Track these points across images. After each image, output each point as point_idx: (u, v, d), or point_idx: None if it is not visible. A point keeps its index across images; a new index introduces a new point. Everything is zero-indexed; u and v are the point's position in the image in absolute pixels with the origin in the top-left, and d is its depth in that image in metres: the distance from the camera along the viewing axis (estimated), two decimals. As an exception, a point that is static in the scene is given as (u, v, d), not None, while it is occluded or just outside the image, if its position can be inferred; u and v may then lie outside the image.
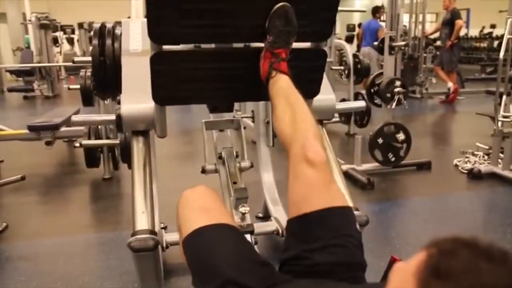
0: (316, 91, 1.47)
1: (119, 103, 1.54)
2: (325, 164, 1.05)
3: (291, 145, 1.10)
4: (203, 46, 1.40)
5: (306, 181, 1.03)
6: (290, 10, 1.25)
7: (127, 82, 1.57)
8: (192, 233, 1.02)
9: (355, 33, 10.53)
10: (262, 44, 1.31)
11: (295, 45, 1.32)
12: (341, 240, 0.97)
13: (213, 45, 1.42)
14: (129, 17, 2.90)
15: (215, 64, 1.37)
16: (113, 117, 1.53)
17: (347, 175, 3.26)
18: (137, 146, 1.51)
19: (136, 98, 1.50)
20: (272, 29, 1.26)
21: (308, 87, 1.40)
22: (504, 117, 3.37)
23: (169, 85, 1.34)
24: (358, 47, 7.90)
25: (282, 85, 1.24)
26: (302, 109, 1.17)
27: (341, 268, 0.95)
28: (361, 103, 2.14)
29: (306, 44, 1.41)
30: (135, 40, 1.74)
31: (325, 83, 1.57)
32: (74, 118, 1.67)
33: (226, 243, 1.00)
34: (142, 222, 1.32)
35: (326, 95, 1.65)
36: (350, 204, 1.34)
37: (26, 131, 3.53)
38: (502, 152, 3.38)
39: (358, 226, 1.05)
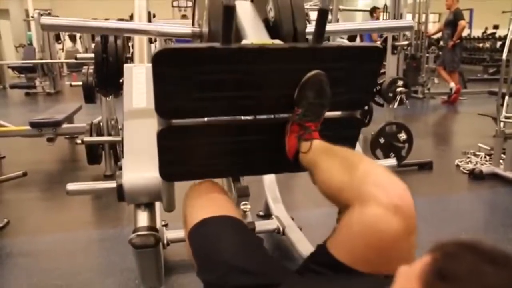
0: None
1: (120, 169, 1.33)
2: (413, 212, 0.81)
3: (355, 188, 0.85)
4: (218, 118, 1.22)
5: (384, 238, 0.78)
6: (325, 79, 1.08)
7: (129, 146, 1.38)
8: (199, 223, 1.03)
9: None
10: (285, 115, 1.17)
11: (327, 114, 1.17)
12: None
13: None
14: (131, 16, 2.88)
15: (232, 138, 1.21)
16: (113, 185, 1.32)
17: (348, 175, 3.26)
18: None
19: (140, 166, 1.30)
20: (302, 101, 1.10)
21: None
22: (506, 118, 3.36)
23: (179, 161, 1.19)
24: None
25: (318, 147, 1.07)
26: (354, 153, 1.01)
27: None
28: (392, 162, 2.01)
29: (338, 113, 1.27)
30: (139, 93, 1.52)
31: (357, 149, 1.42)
32: (69, 187, 1.43)
33: (231, 233, 1.00)
34: (143, 219, 1.31)
35: None
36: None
37: (28, 127, 3.54)
38: (504, 153, 3.37)
39: None
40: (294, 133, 1.12)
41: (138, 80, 1.55)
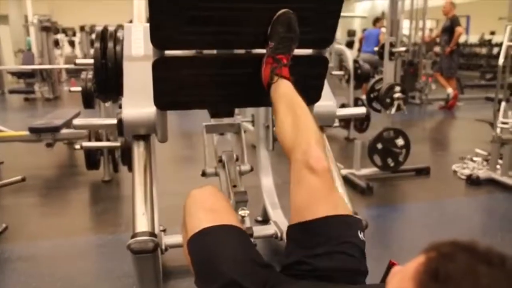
0: (317, 98, 1.48)
1: (120, 107, 1.54)
2: (328, 171, 1.04)
3: (293, 151, 1.09)
4: (205, 52, 1.40)
5: (309, 188, 1.02)
6: (293, 16, 1.25)
7: (128, 86, 1.57)
8: (198, 233, 1.03)
9: (355, 38, 10.58)
10: (264, 51, 1.31)
11: (297, 51, 1.32)
12: (342, 248, 0.97)
13: (215, 51, 1.42)
14: (131, 21, 2.92)
15: (217, 70, 1.37)
16: (114, 121, 1.54)
17: (346, 180, 3.26)
18: (138, 150, 1.52)
19: (138, 102, 1.50)
20: (274, 36, 1.26)
21: (309, 94, 1.40)
22: (503, 123, 3.38)
23: (171, 90, 1.34)
24: (359, 52, 7.98)
25: (284, 90, 1.24)
26: (304, 114, 1.16)
27: (340, 274, 0.96)
28: (361, 110, 2.14)
29: (308, 51, 1.41)
30: (137, 45, 1.73)
31: (326, 90, 1.57)
32: (76, 121, 1.67)
33: (231, 244, 1.01)
34: (142, 224, 1.32)
35: (327, 102, 1.65)
36: (350, 210, 1.36)
37: (27, 132, 3.54)
38: (500, 158, 3.39)
39: (362, 234, 1.02)
40: (268, 65, 1.27)
41: (137, 36, 1.76)
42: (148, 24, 1.23)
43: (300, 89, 1.26)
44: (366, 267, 1.02)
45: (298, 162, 1.06)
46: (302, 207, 1.03)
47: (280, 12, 1.25)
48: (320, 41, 1.39)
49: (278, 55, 1.26)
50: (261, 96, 1.34)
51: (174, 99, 1.37)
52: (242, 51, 1.40)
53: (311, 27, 1.32)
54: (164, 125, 1.48)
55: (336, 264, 0.96)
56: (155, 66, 1.26)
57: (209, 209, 1.09)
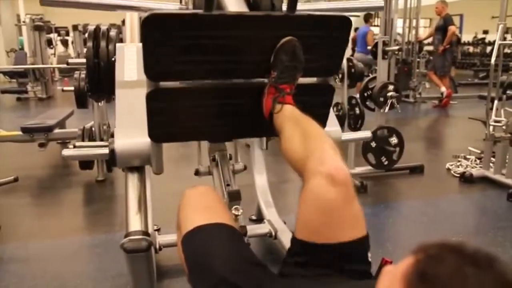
0: (323, 126, 1.39)
1: (112, 136, 1.46)
2: (349, 182, 0.91)
3: (305, 163, 0.97)
4: (203, 82, 1.32)
5: (328, 205, 0.89)
6: (298, 44, 1.19)
7: (121, 114, 1.50)
8: (192, 230, 1.03)
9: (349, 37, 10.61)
10: (265, 80, 1.26)
11: (302, 80, 1.27)
12: (356, 267, 0.93)
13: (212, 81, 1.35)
14: (123, 21, 2.89)
15: (215, 100, 1.30)
16: (106, 151, 1.45)
17: (340, 179, 3.27)
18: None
19: (131, 132, 1.42)
20: (277, 65, 1.20)
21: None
22: (496, 121, 3.40)
23: (166, 122, 1.27)
24: (353, 51, 7.98)
25: (289, 113, 1.17)
26: (312, 126, 1.09)
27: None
28: (366, 134, 2.14)
29: (313, 79, 1.36)
30: (130, 67, 1.66)
31: (331, 116, 1.51)
32: (65, 152, 1.56)
33: (223, 242, 1.00)
34: (135, 223, 1.32)
35: (332, 127, 1.59)
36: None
37: (19, 132, 3.53)
38: (493, 156, 3.41)
39: (369, 255, 0.97)
40: (270, 95, 1.21)
41: (129, 57, 1.68)
42: (141, 45, 1.16)
43: None
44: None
45: (313, 173, 0.93)
46: (318, 226, 0.91)
47: (284, 40, 1.18)
48: (325, 69, 1.33)
49: (281, 84, 1.20)
50: (261, 127, 1.28)
51: (169, 131, 1.30)
52: (241, 80, 1.32)
53: (316, 55, 1.26)
54: (160, 157, 1.40)
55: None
56: (149, 97, 1.20)
57: (202, 208, 1.10)
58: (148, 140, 1.33)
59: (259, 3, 1.35)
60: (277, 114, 1.18)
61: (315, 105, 1.33)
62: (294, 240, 0.96)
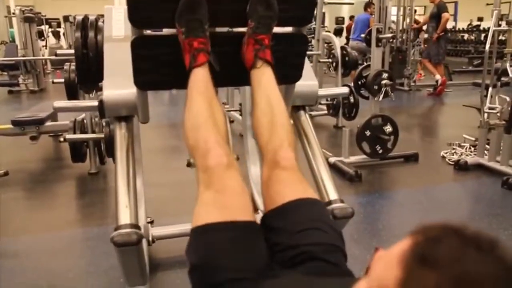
0: (299, 76, 1.46)
1: (101, 89, 1.52)
2: (297, 169, 1.11)
3: (267, 149, 1.16)
4: None
5: (279, 180, 1.09)
6: None
7: (109, 68, 1.55)
8: (202, 227, 0.96)
9: (344, 26, 10.53)
10: (244, 29, 1.29)
11: (276, 29, 1.31)
12: (315, 225, 1.00)
13: None
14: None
15: None
16: (95, 103, 1.52)
17: (335, 168, 3.26)
18: (120, 133, 1.48)
19: (119, 83, 1.48)
20: (253, 15, 1.25)
21: (290, 72, 1.41)
22: (490, 108, 3.39)
23: (150, 69, 1.32)
24: (347, 40, 7.94)
25: (265, 82, 1.24)
26: (281, 113, 1.20)
27: (319, 248, 0.96)
28: (343, 89, 2.12)
29: (288, 29, 1.41)
30: (118, 27, 1.71)
31: (308, 69, 1.57)
32: (56, 104, 1.65)
33: (231, 247, 0.95)
34: (125, 217, 1.29)
35: (309, 81, 1.63)
36: (337, 196, 1.38)
37: (10, 126, 3.47)
38: (488, 144, 3.40)
39: (331, 217, 1.10)
40: (251, 45, 1.26)
41: (117, 18, 1.73)
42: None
43: (282, 67, 1.25)
44: (343, 246, 1.00)
45: (270, 161, 1.12)
46: (274, 195, 1.07)
47: None
48: (299, 19, 1.38)
49: (258, 35, 1.25)
50: (241, 76, 1.33)
51: (153, 78, 1.35)
52: (223, 29, 1.38)
53: (289, 5, 1.30)
54: (145, 106, 1.46)
55: (312, 240, 0.97)
56: (134, 45, 1.25)
57: (219, 196, 1.01)
58: (134, 90, 1.38)
59: None
60: (256, 71, 1.26)
61: (290, 55, 1.40)
62: (261, 222, 1.07)
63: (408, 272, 0.53)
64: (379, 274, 0.58)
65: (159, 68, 1.33)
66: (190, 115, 1.17)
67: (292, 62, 1.42)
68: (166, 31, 1.34)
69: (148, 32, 1.29)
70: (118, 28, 1.70)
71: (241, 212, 1.00)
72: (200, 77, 1.21)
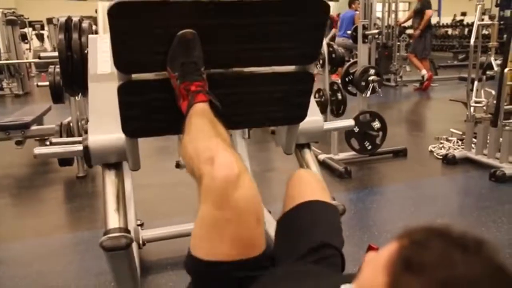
0: (304, 116, 1.35)
1: (86, 132, 1.37)
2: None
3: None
4: None
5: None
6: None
7: (94, 110, 1.42)
8: (190, 257, 0.88)
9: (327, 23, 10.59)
10: (244, 69, 1.21)
11: (281, 68, 1.22)
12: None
13: None
14: (96, 10, 2.80)
15: None
16: (80, 148, 1.37)
17: (324, 165, 3.27)
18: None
19: (105, 127, 1.33)
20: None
21: (295, 112, 1.31)
22: (476, 102, 3.43)
23: (140, 116, 1.19)
24: (334, 36, 7.96)
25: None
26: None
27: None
28: (349, 122, 2.04)
29: (291, 67, 1.29)
30: (104, 59, 1.57)
31: (312, 105, 1.45)
32: (36, 151, 1.46)
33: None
34: (114, 220, 1.27)
35: (313, 117, 1.52)
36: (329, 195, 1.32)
37: (-5, 131, 3.41)
38: (475, 137, 3.44)
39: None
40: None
41: (103, 49, 1.59)
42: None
43: (286, 107, 1.19)
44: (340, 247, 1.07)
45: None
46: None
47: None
48: (304, 56, 1.26)
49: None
50: (240, 118, 1.26)
51: (144, 125, 1.22)
52: (218, 70, 1.25)
53: (296, 42, 1.19)
54: (136, 152, 1.32)
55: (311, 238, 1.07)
56: (121, 91, 1.13)
57: (211, 229, 0.86)
58: (123, 135, 1.25)
59: None
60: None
61: (294, 94, 1.27)
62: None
63: (394, 278, 0.52)
64: (367, 279, 0.58)
65: (150, 115, 1.20)
66: (189, 136, 1.01)
67: (297, 101, 1.31)
68: (156, 74, 1.19)
69: (136, 76, 1.15)
70: (103, 62, 1.57)
71: (252, 247, 0.87)
72: (199, 109, 1.06)
